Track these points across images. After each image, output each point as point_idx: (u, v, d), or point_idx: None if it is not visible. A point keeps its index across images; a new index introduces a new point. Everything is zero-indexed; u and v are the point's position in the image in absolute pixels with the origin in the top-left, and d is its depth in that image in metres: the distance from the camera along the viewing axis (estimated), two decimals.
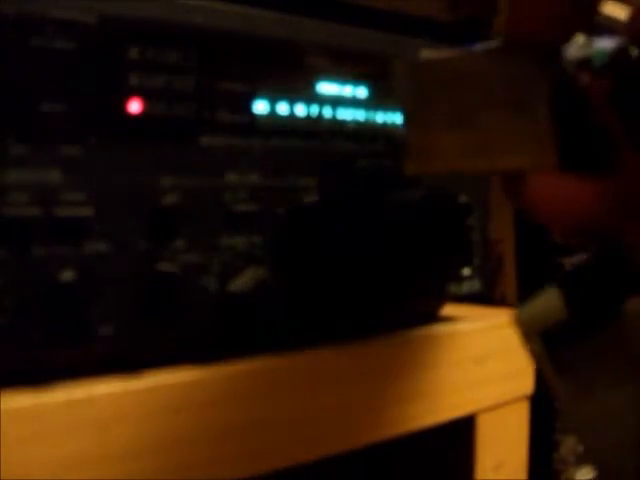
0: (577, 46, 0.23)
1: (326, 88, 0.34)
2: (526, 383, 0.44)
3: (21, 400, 0.25)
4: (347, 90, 0.35)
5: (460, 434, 0.42)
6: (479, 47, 0.24)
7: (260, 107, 0.32)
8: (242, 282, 0.30)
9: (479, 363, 0.41)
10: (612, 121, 0.22)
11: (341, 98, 0.35)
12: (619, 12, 0.23)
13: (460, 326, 0.40)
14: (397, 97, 0.25)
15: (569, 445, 0.60)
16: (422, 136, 0.25)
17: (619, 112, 0.22)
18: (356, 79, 0.35)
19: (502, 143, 0.24)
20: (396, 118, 0.37)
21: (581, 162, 0.23)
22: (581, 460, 0.61)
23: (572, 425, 0.25)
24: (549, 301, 0.25)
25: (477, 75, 0.24)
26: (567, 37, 0.23)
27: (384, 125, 0.36)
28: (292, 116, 0.33)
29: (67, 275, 0.26)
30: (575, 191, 0.24)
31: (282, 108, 0.33)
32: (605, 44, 0.22)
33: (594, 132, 0.23)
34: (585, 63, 0.22)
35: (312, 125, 0.34)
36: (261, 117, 0.32)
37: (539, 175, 0.24)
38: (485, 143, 0.24)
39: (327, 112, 0.34)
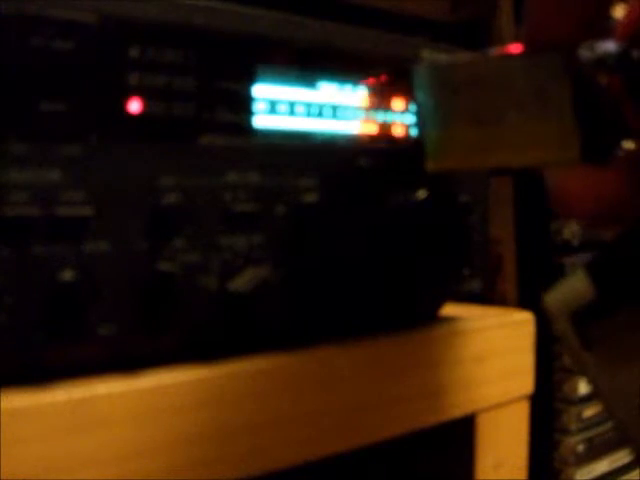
0: (588, 48, 0.24)
1: (326, 88, 0.34)
2: (526, 383, 0.44)
3: (21, 400, 0.25)
4: (347, 90, 0.35)
5: (460, 434, 0.42)
6: (496, 51, 0.26)
7: (260, 107, 0.32)
8: (242, 282, 0.30)
9: (479, 363, 0.41)
10: (630, 114, 0.24)
11: (341, 98, 0.35)
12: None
13: (460, 326, 0.40)
14: (414, 98, 0.27)
15: (569, 445, 0.60)
16: (442, 134, 0.27)
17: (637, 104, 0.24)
18: (356, 79, 0.35)
19: (527, 140, 0.25)
20: (396, 118, 0.37)
21: (600, 155, 0.25)
22: (581, 460, 0.61)
23: (603, 400, 0.26)
24: (576, 283, 0.26)
25: (499, 77, 0.25)
26: (585, 39, 0.24)
27: (384, 125, 0.36)
28: (292, 116, 0.33)
29: (67, 275, 0.26)
30: (597, 179, 0.25)
31: (282, 108, 0.33)
32: (609, 46, 0.24)
33: (612, 125, 0.24)
34: (600, 63, 0.24)
35: (312, 125, 0.34)
36: (261, 117, 0.32)
37: (561, 169, 0.26)
38: (509, 140, 0.25)
39: (327, 112, 0.34)
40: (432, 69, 0.27)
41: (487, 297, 0.43)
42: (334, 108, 0.35)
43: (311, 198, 0.33)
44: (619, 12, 0.25)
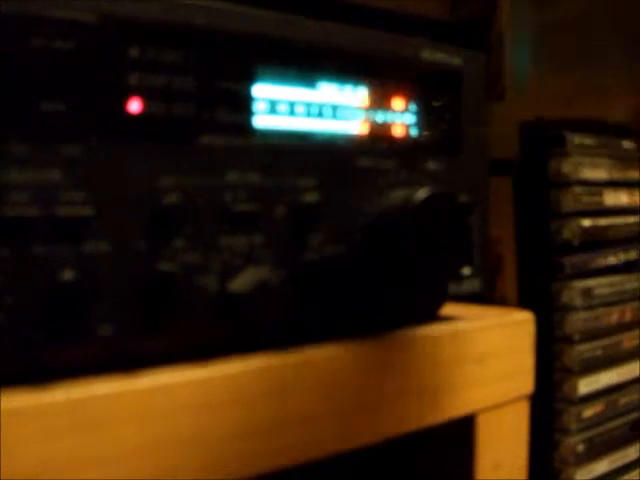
0: None
1: (326, 88, 0.34)
2: (526, 383, 0.44)
3: (21, 400, 0.25)
4: (347, 90, 0.35)
5: (460, 434, 0.42)
6: None
7: (260, 107, 0.32)
8: (242, 282, 0.30)
9: (479, 363, 0.41)
10: None
11: (341, 98, 0.35)
12: None
13: (460, 326, 0.40)
14: (511, 35, 0.25)
15: (569, 445, 0.60)
16: (540, 77, 0.25)
17: None
18: (356, 79, 0.35)
19: (630, 86, 0.24)
20: (396, 118, 0.37)
21: None
22: (581, 460, 0.61)
23: None
24: None
25: (606, 17, 0.24)
26: None
27: (384, 125, 0.36)
28: (292, 116, 0.33)
29: (67, 275, 0.26)
30: None
31: (282, 108, 0.33)
32: None
33: None
34: None
35: (312, 125, 0.34)
36: (261, 117, 0.32)
37: None
38: (611, 86, 0.24)
39: (327, 112, 0.34)
40: (532, 3, 0.25)
41: (487, 297, 0.43)
42: (334, 108, 0.35)
43: (311, 198, 0.33)
44: None
